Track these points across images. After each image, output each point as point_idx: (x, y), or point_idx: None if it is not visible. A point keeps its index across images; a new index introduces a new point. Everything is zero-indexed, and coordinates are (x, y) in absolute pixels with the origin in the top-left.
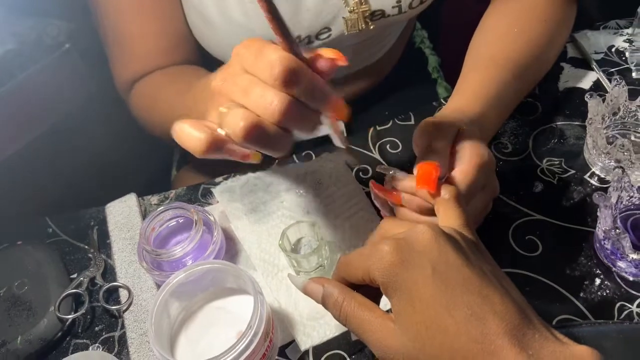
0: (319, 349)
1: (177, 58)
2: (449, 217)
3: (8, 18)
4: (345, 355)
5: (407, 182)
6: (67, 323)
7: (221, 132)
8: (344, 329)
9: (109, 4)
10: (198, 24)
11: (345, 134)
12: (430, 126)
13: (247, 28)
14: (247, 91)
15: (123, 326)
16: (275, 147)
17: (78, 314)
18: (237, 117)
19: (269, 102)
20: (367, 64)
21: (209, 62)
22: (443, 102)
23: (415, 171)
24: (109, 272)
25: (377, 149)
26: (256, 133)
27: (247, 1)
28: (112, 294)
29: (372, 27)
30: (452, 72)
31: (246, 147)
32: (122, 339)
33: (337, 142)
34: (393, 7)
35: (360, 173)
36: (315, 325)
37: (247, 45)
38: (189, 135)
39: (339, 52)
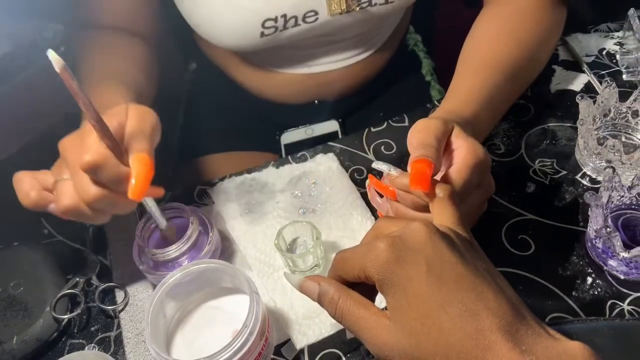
0: (314, 348)
1: (134, 25)
2: (443, 216)
3: (4, 21)
4: (341, 354)
5: (401, 180)
6: (63, 323)
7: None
8: (340, 327)
9: None
10: (184, 1)
11: (160, 214)
12: (424, 125)
13: (236, 4)
14: (74, 171)
15: (119, 326)
16: (91, 222)
17: (74, 314)
18: (62, 194)
19: (85, 189)
20: (357, 61)
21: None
22: (437, 104)
23: (409, 169)
24: (104, 273)
25: (371, 150)
26: (73, 212)
27: None
28: (108, 295)
29: (357, 9)
30: (445, 75)
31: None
32: (118, 339)
33: (155, 220)
34: None
35: (355, 174)
36: (311, 324)
37: (82, 128)
38: (21, 190)
39: (140, 187)
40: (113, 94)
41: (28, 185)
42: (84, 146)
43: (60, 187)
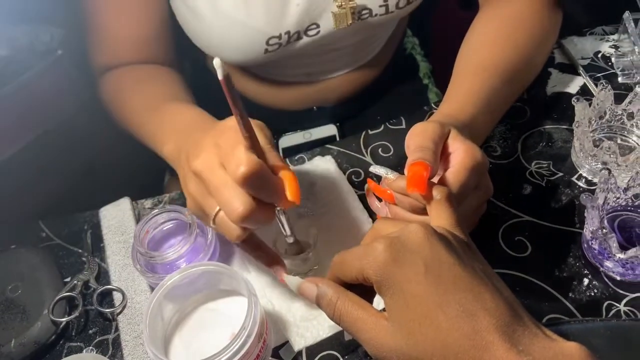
0: (312, 350)
1: (149, 56)
2: (440, 217)
3: (0, 24)
4: (339, 356)
5: (398, 183)
6: (61, 326)
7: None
8: (338, 329)
9: None
10: (187, 19)
11: (289, 227)
12: (421, 129)
13: (237, 21)
14: (219, 190)
15: (117, 329)
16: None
17: (72, 317)
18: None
19: (234, 207)
20: (356, 67)
21: (184, 61)
22: (434, 107)
23: (406, 171)
24: (102, 276)
25: (369, 152)
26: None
27: None
28: (106, 297)
29: (359, 21)
30: (442, 78)
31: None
32: (116, 342)
33: (283, 230)
34: (380, 5)
35: (353, 176)
36: (309, 326)
37: (223, 137)
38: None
39: (296, 191)
40: (192, 110)
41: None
42: (235, 160)
43: (219, 220)
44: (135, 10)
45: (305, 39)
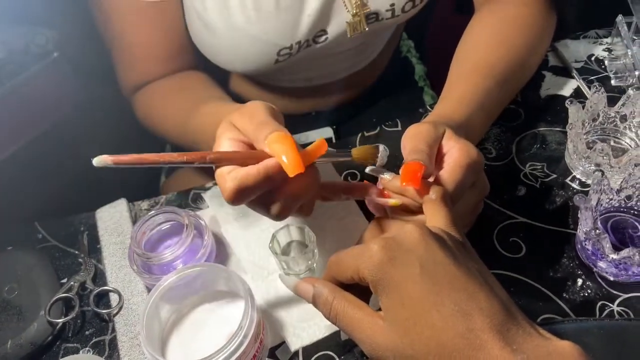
0: (308, 350)
1: (178, 66)
2: (436, 217)
3: None
4: (335, 356)
5: (394, 183)
6: (58, 327)
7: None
8: (334, 329)
9: (112, 10)
10: (200, 32)
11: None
12: (415, 131)
13: (250, 34)
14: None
15: (114, 330)
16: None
17: (68, 318)
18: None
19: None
20: (355, 70)
21: (208, 70)
22: (429, 109)
23: (401, 173)
24: (99, 277)
25: None
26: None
27: (249, 8)
28: (103, 298)
29: (367, 28)
30: (438, 81)
31: None
32: (113, 343)
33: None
34: (387, 10)
35: (349, 177)
36: (305, 327)
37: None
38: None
39: (293, 164)
40: (229, 105)
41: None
42: (221, 183)
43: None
44: (159, 26)
45: (314, 46)
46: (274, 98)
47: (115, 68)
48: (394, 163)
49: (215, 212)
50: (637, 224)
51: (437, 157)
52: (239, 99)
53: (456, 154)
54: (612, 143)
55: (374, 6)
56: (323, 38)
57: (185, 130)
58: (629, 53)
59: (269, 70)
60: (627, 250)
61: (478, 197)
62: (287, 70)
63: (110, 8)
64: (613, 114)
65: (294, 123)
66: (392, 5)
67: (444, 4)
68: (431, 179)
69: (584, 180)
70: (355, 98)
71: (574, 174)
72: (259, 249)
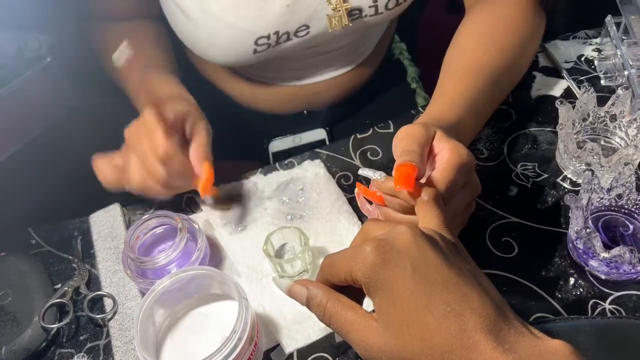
0: (303, 352)
1: (139, 10)
2: (428, 219)
3: None
4: (330, 358)
5: (387, 184)
6: (52, 333)
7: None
8: (328, 331)
9: None
10: (178, 18)
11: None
12: (406, 133)
13: (226, 22)
14: (143, 156)
15: (108, 335)
16: (159, 196)
17: (62, 323)
18: (131, 174)
19: (156, 171)
20: (346, 71)
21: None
22: (421, 110)
23: (393, 174)
24: (93, 282)
25: (358, 156)
26: (143, 189)
27: None
28: (97, 303)
29: (350, 24)
30: (430, 82)
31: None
32: (107, 348)
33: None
34: (370, 6)
35: (342, 179)
36: (300, 329)
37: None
38: (99, 171)
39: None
40: (168, 84)
41: (103, 166)
42: (154, 141)
43: (130, 168)
44: None
45: (294, 40)
46: (266, 95)
47: None
48: (387, 165)
49: (209, 215)
50: (627, 222)
51: (429, 158)
52: (229, 99)
53: (447, 154)
54: (602, 142)
55: (356, 2)
56: (305, 32)
57: (124, 85)
58: (618, 53)
59: (249, 62)
60: (617, 248)
61: (470, 197)
62: (274, 67)
63: None
64: (603, 114)
65: (287, 123)
66: (375, 1)
67: (436, 5)
68: (423, 180)
69: (575, 179)
70: (347, 99)
71: (565, 173)
72: (253, 252)
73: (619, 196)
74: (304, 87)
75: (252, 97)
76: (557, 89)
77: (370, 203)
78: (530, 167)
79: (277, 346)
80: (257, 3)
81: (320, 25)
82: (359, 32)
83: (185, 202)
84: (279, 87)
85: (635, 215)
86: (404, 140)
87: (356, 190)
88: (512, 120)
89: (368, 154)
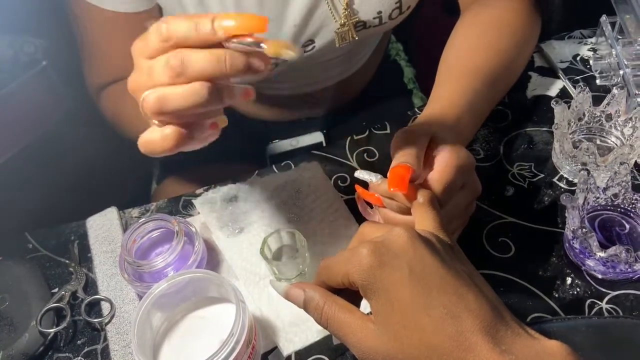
0: (301, 355)
1: None
2: (424, 221)
3: None
4: None
5: (383, 186)
6: (49, 337)
7: None
8: (326, 333)
9: (85, 13)
10: None
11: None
12: (403, 134)
13: None
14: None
15: (105, 339)
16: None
17: (60, 327)
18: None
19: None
20: (345, 77)
21: None
22: (418, 111)
23: (388, 175)
24: (90, 286)
25: (354, 157)
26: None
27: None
28: (94, 307)
29: (356, 37)
30: (427, 83)
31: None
32: (105, 352)
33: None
34: (374, 17)
35: (339, 181)
36: (297, 331)
37: None
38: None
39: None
40: None
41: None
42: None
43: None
44: (128, 38)
45: (301, 56)
46: (265, 105)
47: (82, 65)
48: (384, 167)
49: (206, 218)
50: (623, 221)
51: (427, 159)
52: (228, 109)
53: (445, 155)
54: (597, 142)
55: (362, 15)
56: (310, 47)
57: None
58: (614, 52)
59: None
60: (614, 248)
61: (469, 198)
62: (276, 78)
63: (84, 15)
64: (598, 113)
65: (285, 129)
66: (380, 13)
67: (432, 6)
68: (420, 181)
69: (571, 179)
70: (345, 103)
71: (561, 173)
72: (250, 255)
73: (615, 195)
74: (302, 96)
75: (251, 107)
76: (553, 89)
77: (371, 207)
78: (526, 167)
79: (275, 349)
80: (270, 29)
81: (325, 39)
82: (360, 42)
83: (182, 205)
84: (278, 95)
85: (632, 215)
86: (401, 142)
87: (356, 193)
88: (509, 120)
89: (365, 155)
